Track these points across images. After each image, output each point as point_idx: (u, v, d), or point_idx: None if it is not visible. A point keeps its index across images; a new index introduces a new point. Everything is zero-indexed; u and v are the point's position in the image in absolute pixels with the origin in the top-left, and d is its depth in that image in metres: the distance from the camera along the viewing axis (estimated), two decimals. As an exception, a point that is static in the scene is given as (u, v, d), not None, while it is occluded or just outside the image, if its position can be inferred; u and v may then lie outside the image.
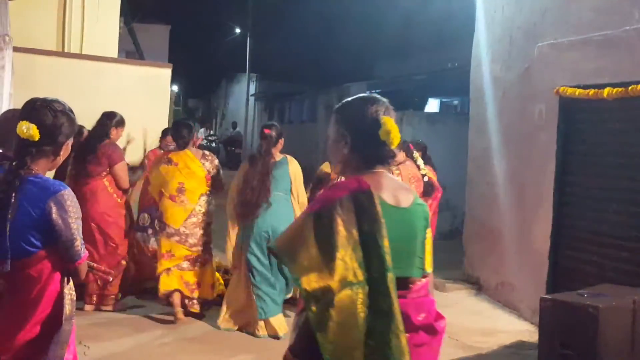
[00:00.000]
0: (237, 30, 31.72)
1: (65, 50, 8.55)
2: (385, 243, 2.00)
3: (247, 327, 5.51)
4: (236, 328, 5.52)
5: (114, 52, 9.19)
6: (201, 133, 28.92)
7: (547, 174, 6.19)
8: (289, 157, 5.75)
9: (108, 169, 5.73)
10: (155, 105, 8.31)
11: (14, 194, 2.33)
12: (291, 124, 22.40)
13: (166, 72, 8.86)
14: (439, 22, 15.66)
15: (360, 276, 1.97)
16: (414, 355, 2.02)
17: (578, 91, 5.68)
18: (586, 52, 5.74)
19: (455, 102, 18.32)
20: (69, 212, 2.41)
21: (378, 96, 2.31)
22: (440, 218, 7.01)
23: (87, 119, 6.11)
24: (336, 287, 1.95)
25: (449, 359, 5.15)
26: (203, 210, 5.70)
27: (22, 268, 2.37)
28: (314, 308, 1.95)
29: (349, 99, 2.34)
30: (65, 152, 2.54)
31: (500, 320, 6.41)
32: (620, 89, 5.19)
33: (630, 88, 5.08)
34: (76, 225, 2.44)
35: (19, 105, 5.21)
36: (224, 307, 5.57)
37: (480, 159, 7.65)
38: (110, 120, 5.84)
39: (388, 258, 1.99)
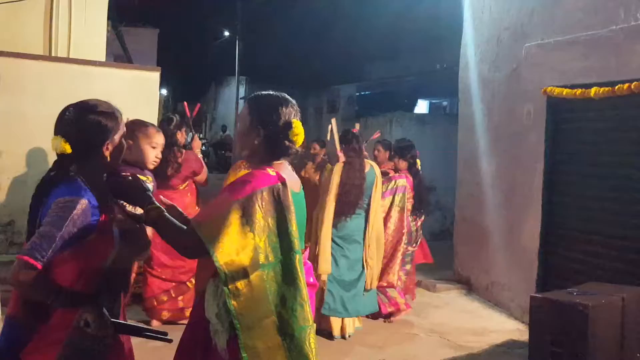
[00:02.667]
0: (226, 34, 31.65)
1: (53, 55, 8.49)
2: (294, 228, 2.36)
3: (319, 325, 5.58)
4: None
5: (102, 56, 9.14)
6: (190, 137, 28.83)
7: (536, 173, 6.23)
8: (372, 163, 5.88)
9: (189, 179, 5.61)
10: (144, 109, 8.23)
11: None
12: (281, 127, 22.25)
13: (155, 76, 8.81)
14: (428, 23, 15.69)
15: (272, 259, 2.33)
16: None
17: (565, 91, 5.72)
18: (573, 52, 5.78)
19: (445, 103, 18.39)
20: (54, 211, 2.26)
21: (289, 97, 2.59)
22: (430, 218, 7.05)
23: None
24: (250, 268, 2.28)
25: (440, 359, 5.17)
26: None
27: None
28: (231, 286, 2.27)
29: (264, 94, 2.60)
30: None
31: (490, 320, 6.43)
32: (607, 89, 5.23)
33: (617, 87, 5.12)
34: (49, 227, 2.23)
35: (5, 110, 5.13)
36: None
37: (470, 160, 7.68)
38: (170, 125, 5.72)
39: (296, 242, 2.36)
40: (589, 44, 5.57)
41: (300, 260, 2.37)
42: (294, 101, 2.59)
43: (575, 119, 5.96)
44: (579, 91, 5.55)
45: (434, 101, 18.87)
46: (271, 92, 2.61)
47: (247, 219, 2.29)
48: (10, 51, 6.89)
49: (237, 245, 2.27)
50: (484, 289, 7.19)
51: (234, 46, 28.20)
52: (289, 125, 2.50)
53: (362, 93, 17.89)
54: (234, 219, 2.28)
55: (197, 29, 35.07)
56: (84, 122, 2.38)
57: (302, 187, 2.67)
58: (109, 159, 2.42)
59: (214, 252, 2.25)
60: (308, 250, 2.84)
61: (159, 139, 4.30)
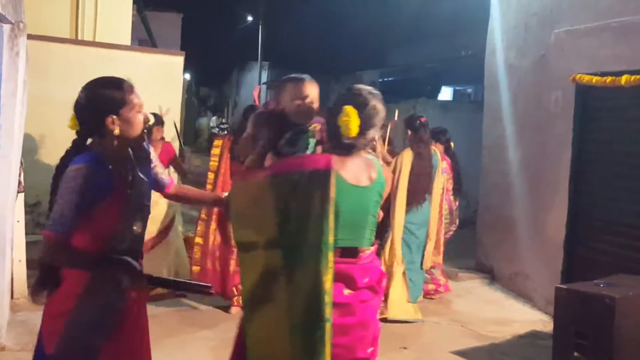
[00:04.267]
0: (249, 19, 31.62)
1: (79, 38, 8.55)
2: (331, 218, 2.18)
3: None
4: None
5: (127, 40, 9.18)
6: (213, 121, 28.93)
7: (563, 162, 6.13)
8: (434, 147, 6.04)
9: None
10: (168, 93, 8.29)
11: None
12: (303, 112, 22.23)
13: (179, 60, 8.84)
14: (454, 9, 15.52)
15: (295, 242, 2.19)
16: (359, 309, 2.36)
17: (595, 78, 5.60)
18: (604, 38, 5.66)
19: (469, 90, 18.21)
20: (65, 183, 2.35)
21: (367, 88, 2.50)
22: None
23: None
24: (262, 245, 2.20)
25: (463, 348, 5.14)
26: None
27: None
28: (242, 254, 2.26)
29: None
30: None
31: (513, 310, 6.38)
32: (638, 76, 5.10)
33: (648, 75, 5.01)
34: (63, 200, 2.31)
35: (31, 92, 5.18)
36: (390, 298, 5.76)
37: (495, 148, 7.59)
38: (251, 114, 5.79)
39: (330, 232, 2.18)
40: (621, 30, 5.45)
41: (327, 253, 2.18)
42: (374, 93, 2.49)
43: (605, 108, 5.85)
44: (609, 79, 5.43)
45: (457, 88, 18.70)
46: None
47: (276, 196, 2.21)
48: (37, 34, 6.93)
49: (257, 218, 2.22)
50: (507, 279, 7.13)
51: (256, 31, 28.17)
52: (339, 109, 2.42)
53: (385, 79, 17.78)
54: (262, 193, 2.23)
55: (220, 14, 35.12)
56: (85, 97, 2.44)
57: (377, 182, 2.48)
58: (118, 131, 2.41)
59: (231, 216, 2.28)
60: (376, 246, 2.59)
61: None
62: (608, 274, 4.77)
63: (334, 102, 2.51)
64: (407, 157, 5.71)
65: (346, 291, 2.35)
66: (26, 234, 5.48)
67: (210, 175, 5.64)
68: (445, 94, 18.59)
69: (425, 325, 5.70)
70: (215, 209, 5.39)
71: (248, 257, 2.24)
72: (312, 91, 3.00)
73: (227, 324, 5.17)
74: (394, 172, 5.63)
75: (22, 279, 5.29)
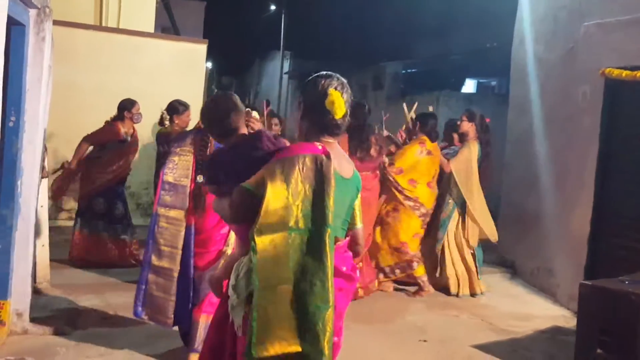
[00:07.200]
0: (272, 7, 31.57)
1: (103, 25, 8.58)
2: (331, 202, 2.28)
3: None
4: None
5: (150, 27, 9.21)
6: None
7: (590, 157, 6.03)
8: None
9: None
10: (190, 81, 8.31)
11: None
12: (325, 103, 22.14)
13: (202, 48, 8.85)
14: (479, 0, 15.35)
15: (302, 225, 2.26)
16: (337, 296, 2.34)
17: (625, 73, 5.50)
18: (634, 32, 5.55)
19: (493, 83, 18.02)
20: None
21: (336, 74, 2.55)
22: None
23: (122, 93, 6.12)
24: (277, 226, 2.24)
25: (483, 342, 5.10)
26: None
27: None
28: (256, 238, 2.23)
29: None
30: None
31: (535, 305, 6.31)
32: (669, 71, 5.01)
33: (680, 70, 4.90)
34: None
35: (58, 77, 5.21)
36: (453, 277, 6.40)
37: (520, 142, 7.50)
38: (364, 109, 5.88)
39: (330, 216, 2.27)
40: (652, 24, 5.34)
41: (331, 236, 2.26)
42: (340, 78, 2.54)
43: (634, 102, 5.74)
44: (639, 73, 5.33)
45: (482, 81, 18.51)
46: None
47: (285, 178, 2.27)
48: (63, 20, 6.96)
49: (274, 200, 2.26)
50: (529, 274, 7.06)
51: (279, 20, 28.13)
52: (324, 93, 2.45)
53: (408, 71, 17.64)
54: (276, 175, 2.28)
55: (243, 3, 35.10)
56: None
57: (354, 175, 2.58)
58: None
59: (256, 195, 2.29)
60: (349, 238, 2.65)
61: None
62: (633, 270, 4.70)
63: (305, 87, 2.54)
64: (475, 148, 6.29)
65: None
66: (49, 219, 5.52)
67: None
68: (469, 86, 18.42)
69: (445, 318, 5.67)
70: None
71: (265, 239, 2.24)
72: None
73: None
74: (464, 159, 6.27)
75: (44, 263, 5.33)
